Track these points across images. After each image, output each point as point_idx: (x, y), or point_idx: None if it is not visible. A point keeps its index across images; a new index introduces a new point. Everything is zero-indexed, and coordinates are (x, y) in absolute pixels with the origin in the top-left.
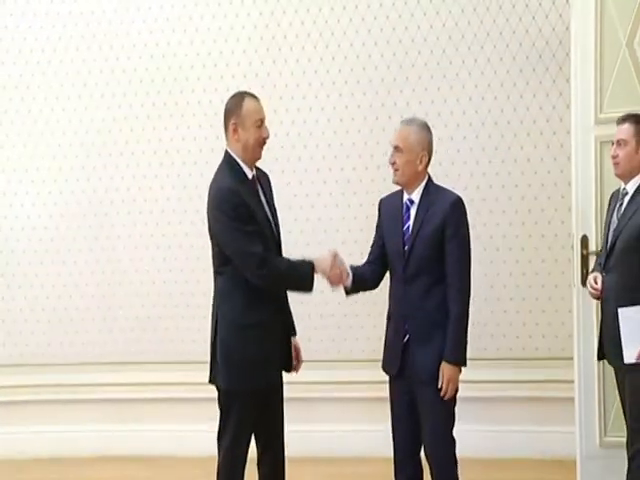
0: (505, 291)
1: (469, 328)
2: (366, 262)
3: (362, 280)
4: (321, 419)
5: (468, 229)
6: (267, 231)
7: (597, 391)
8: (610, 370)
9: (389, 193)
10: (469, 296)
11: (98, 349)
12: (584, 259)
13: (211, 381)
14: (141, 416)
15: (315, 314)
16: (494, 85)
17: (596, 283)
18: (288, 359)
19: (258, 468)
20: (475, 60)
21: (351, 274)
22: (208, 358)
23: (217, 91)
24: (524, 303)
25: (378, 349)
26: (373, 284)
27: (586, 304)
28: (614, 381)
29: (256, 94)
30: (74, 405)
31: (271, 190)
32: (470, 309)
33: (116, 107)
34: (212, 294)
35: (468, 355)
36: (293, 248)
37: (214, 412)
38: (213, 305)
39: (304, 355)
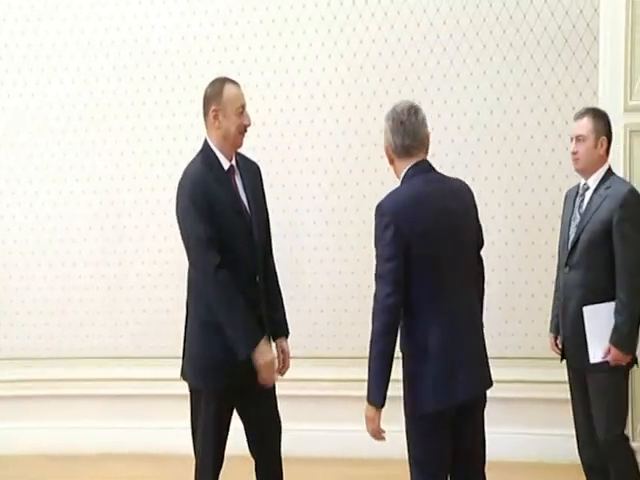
0: (513, 287)
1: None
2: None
3: None
4: (329, 418)
5: None
6: (233, 222)
7: None
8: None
9: None
10: None
11: (103, 343)
12: None
13: (182, 376)
14: (147, 412)
15: (316, 310)
16: (517, 71)
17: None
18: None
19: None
20: (497, 45)
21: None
22: None
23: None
24: (533, 300)
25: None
26: None
27: None
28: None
29: (241, 80)
30: (78, 400)
31: (259, 180)
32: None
33: (117, 104)
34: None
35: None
36: (282, 240)
37: None
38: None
39: (311, 352)
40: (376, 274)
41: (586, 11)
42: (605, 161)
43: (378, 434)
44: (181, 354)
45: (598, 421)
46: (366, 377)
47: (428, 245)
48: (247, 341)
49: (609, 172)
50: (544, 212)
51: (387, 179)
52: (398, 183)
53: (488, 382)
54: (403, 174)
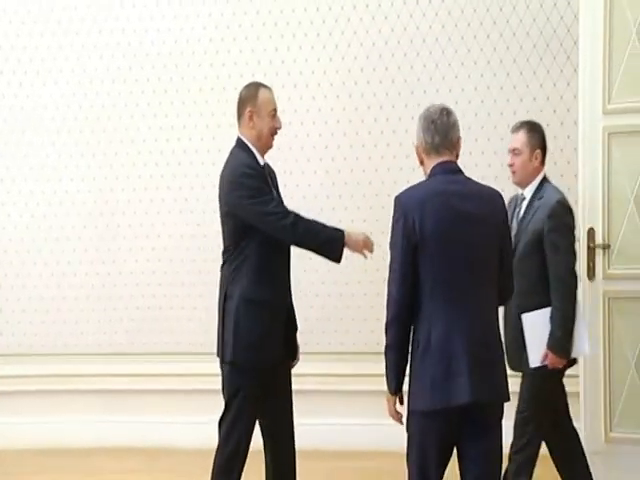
0: None
1: None
2: None
3: None
4: (326, 412)
5: None
6: None
7: (603, 387)
8: (616, 366)
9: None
10: None
11: (97, 339)
12: (591, 252)
13: (222, 358)
14: (139, 407)
15: (318, 306)
16: (500, 74)
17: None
18: (290, 348)
19: (265, 459)
20: (481, 49)
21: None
22: (211, 348)
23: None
24: None
25: (382, 342)
26: None
27: (592, 297)
28: (619, 377)
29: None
30: (72, 396)
31: (277, 182)
32: None
33: (110, 106)
34: (211, 281)
35: None
36: None
37: (213, 404)
38: (221, 287)
39: (307, 348)
40: (390, 265)
41: (566, 17)
42: (540, 172)
43: (395, 416)
44: (216, 336)
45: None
46: (353, 372)
47: (435, 243)
48: (334, 243)
49: (543, 182)
50: None
51: (387, 179)
52: (398, 184)
53: (499, 392)
54: (429, 172)
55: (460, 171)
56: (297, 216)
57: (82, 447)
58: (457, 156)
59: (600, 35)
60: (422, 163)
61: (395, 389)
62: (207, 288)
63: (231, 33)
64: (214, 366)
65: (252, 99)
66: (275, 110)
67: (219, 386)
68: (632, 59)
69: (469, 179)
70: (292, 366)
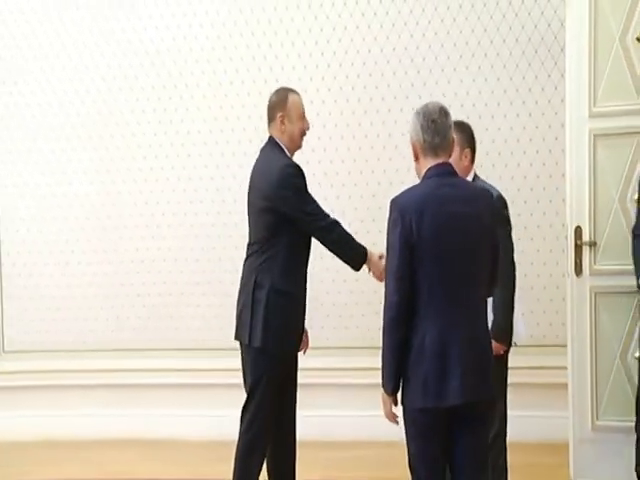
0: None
1: None
2: None
3: None
4: (321, 404)
5: None
6: None
7: (589, 377)
8: (602, 358)
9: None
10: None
11: (105, 336)
12: (578, 249)
13: (249, 342)
14: (145, 401)
15: (317, 303)
16: (491, 80)
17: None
18: (302, 337)
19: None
20: (472, 55)
21: None
22: (214, 344)
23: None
24: (520, 292)
25: (377, 337)
26: None
27: (579, 293)
28: (605, 368)
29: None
30: (81, 390)
31: None
32: None
33: (112, 101)
34: (214, 280)
35: None
36: None
37: (215, 397)
38: (247, 277)
39: (310, 344)
40: (386, 268)
41: (554, 24)
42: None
43: (391, 417)
44: (243, 323)
45: None
46: (349, 366)
47: (432, 246)
48: (361, 255)
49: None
50: (520, 210)
51: (383, 180)
52: (394, 185)
53: (489, 391)
54: (424, 173)
55: (455, 173)
56: (334, 221)
57: (91, 439)
58: (450, 155)
59: (585, 42)
60: (416, 160)
61: (392, 390)
62: (210, 287)
63: (227, 30)
64: (216, 361)
65: (282, 104)
66: (304, 112)
67: (222, 380)
68: (615, 65)
69: (463, 180)
70: (305, 350)
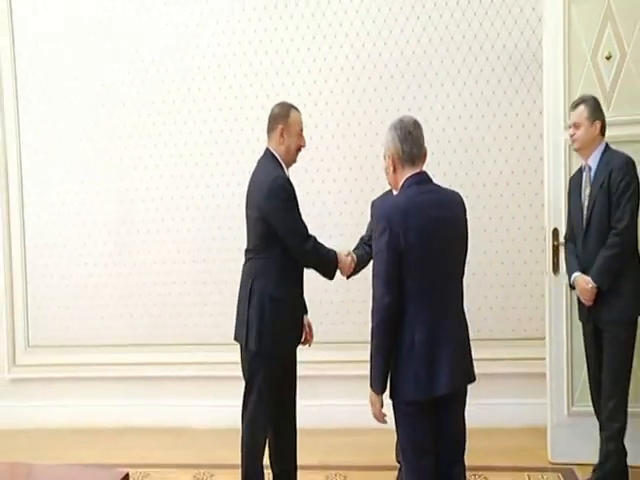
0: (486, 279)
1: None
2: (363, 242)
3: (361, 262)
4: (320, 395)
5: None
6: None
7: (566, 367)
8: (577, 349)
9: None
10: None
11: (121, 333)
12: (555, 249)
13: (246, 344)
14: (158, 391)
15: (317, 301)
16: (475, 94)
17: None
18: (301, 334)
19: (269, 435)
20: (458, 71)
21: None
22: (221, 339)
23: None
24: (503, 289)
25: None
26: (369, 263)
27: (557, 290)
28: (580, 358)
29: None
30: (100, 382)
31: None
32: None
33: (126, 114)
34: (220, 281)
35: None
36: None
37: (223, 388)
38: (245, 282)
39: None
40: (373, 273)
41: (532, 44)
42: (600, 141)
43: (379, 416)
44: (240, 326)
45: None
46: (346, 359)
47: (418, 251)
48: (332, 267)
49: (605, 151)
50: (502, 213)
51: (373, 184)
52: (386, 189)
53: (470, 377)
54: (402, 183)
55: (431, 180)
56: (314, 245)
57: (109, 427)
58: (424, 164)
59: (560, 60)
60: (394, 171)
61: (381, 390)
62: (216, 287)
63: (232, 50)
64: (223, 355)
65: (284, 117)
66: (302, 130)
67: (228, 372)
68: (587, 81)
69: (438, 186)
70: (310, 343)
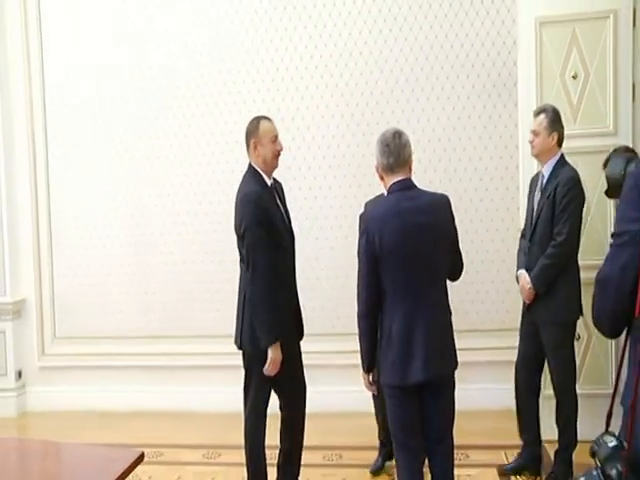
0: (477, 276)
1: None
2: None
3: None
4: (321, 382)
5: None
6: (281, 226)
7: None
8: None
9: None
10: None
11: (136, 325)
12: None
13: (240, 347)
14: (170, 379)
15: (316, 297)
16: (457, 108)
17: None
18: (300, 330)
19: (281, 412)
20: (442, 88)
21: None
22: (227, 331)
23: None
24: (492, 285)
25: None
26: None
27: None
28: None
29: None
30: (118, 370)
31: (284, 195)
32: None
33: (135, 120)
34: (227, 279)
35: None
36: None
37: (229, 376)
38: (240, 290)
39: (309, 331)
40: (358, 271)
41: (508, 63)
42: (556, 151)
43: (369, 388)
44: (237, 329)
45: None
46: (343, 349)
47: (393, 255)
48: (270, 338)
49: (560, 161)
50: (482, 216)
51: (367, 188)
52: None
53: (451, 365)
54: (387, 189)
55: (414, 186)
56: (269, 283)
57: (127, 410)
58: (410, 170)
59: (533, 79)
60: (382, 179)
61: (367, 368)
62: (223, 285)
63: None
64: (229, 346)
65: (254, 131)
66: (276, 136)
67: (234, 362)
68: (557, 98)
69: (421, 191)
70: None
